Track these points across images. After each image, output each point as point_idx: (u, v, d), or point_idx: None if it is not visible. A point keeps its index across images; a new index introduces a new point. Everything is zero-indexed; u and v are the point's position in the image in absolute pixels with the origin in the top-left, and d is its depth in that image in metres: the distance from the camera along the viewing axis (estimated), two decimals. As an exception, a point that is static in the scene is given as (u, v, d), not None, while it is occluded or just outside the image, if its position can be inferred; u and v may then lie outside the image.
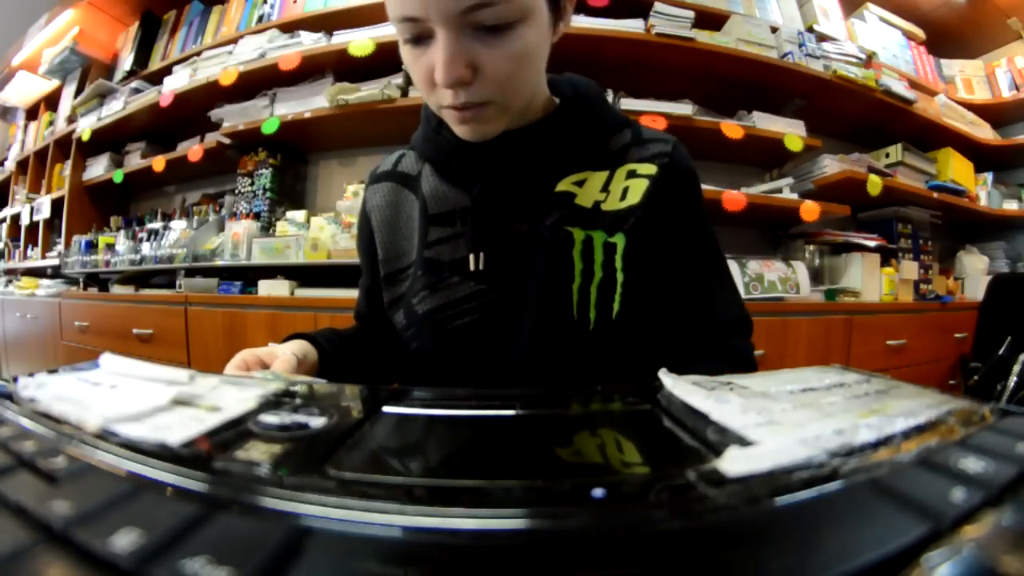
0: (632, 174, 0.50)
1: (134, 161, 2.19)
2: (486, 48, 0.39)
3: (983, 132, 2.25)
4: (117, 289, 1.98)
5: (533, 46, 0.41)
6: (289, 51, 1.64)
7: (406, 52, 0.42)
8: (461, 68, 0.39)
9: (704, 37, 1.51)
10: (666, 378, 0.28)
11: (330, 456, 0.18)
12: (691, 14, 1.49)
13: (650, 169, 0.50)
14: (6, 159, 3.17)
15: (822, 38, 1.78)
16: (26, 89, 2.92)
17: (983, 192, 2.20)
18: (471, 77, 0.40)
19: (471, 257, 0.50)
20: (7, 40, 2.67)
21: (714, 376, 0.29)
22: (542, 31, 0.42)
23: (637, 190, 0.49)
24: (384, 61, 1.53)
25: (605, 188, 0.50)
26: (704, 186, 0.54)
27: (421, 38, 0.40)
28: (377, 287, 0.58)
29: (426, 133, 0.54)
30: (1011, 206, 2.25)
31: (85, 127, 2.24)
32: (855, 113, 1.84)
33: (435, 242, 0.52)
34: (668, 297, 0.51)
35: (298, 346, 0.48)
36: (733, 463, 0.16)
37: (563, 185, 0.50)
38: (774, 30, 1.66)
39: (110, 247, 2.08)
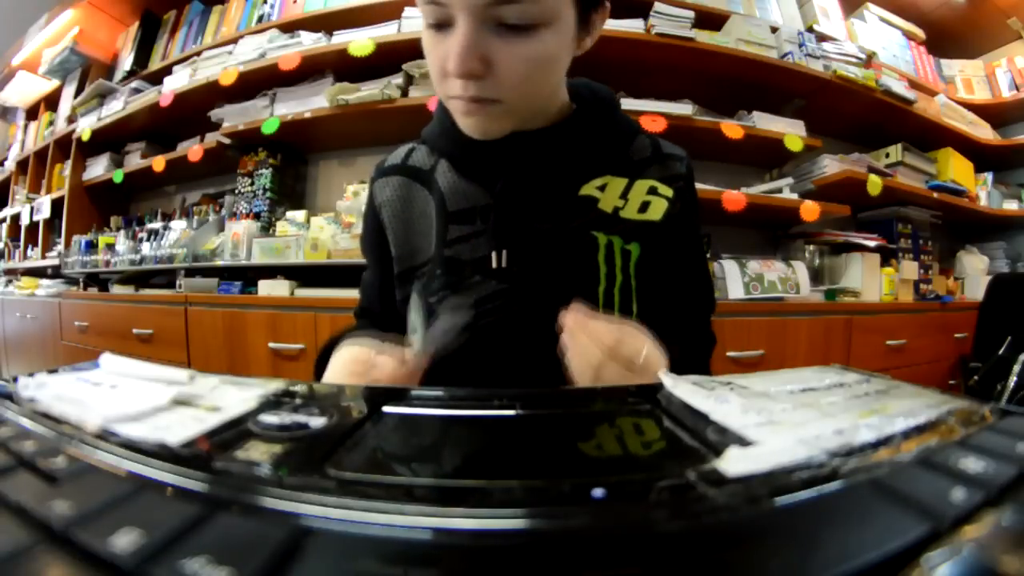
0: (653, 191, 0.52)
1: (134, 161, 2.19)
2: (504, 45, 0.39)
3: (983, 132, 2.25)
4: (117, 289, 1.98)
5: (552, 52, 0.41)
6: (289, 51, 1.64)
7: (427, 36, 0.42)
8: (474, 61, 0.39)
9: (704, 37, 1.51)
10: (666, 378, 0.28)
11: (330, 456, 0.18)
12: (691, 14, 1.49)
13: (668, 191, 0.52)
14: (6, 159, 3.17)
15: (822, 38, 1.78)
16: (26, 89, 2.92)
17: (983, 192, 2.20)
18: (483, 71, 0.39)
19: (493, 255, 0.49)
20: (7, 40, 2.67)
21: (710, 376, 0.29)
22: (565, 40, 0.41)
23: (658, 208, 0.51)
24: (384, 61, 1.53)
25: (624, 195, 0.51)
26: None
27: (443, 24, 0.40)
28: (390, 283, 0.56)
29: (443, 127, 0.53)
30: (1011, 206, 2.24)
31: (85, 127, 2.24)
32: (855, 113, 1.84)
33: (455, 240, 0.51)
34: (663, 295, 0.53)
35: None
36: (733, 463, 0.16)
37: (587, 189, 0.50)
38: (774, 30, 1.66)
39: (110, 247, 2.08)
